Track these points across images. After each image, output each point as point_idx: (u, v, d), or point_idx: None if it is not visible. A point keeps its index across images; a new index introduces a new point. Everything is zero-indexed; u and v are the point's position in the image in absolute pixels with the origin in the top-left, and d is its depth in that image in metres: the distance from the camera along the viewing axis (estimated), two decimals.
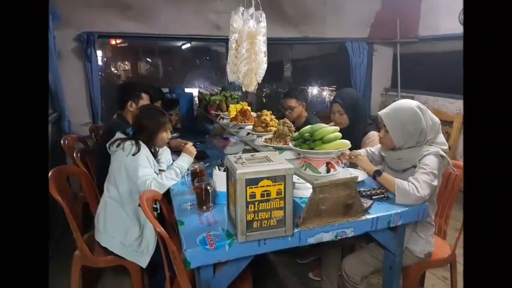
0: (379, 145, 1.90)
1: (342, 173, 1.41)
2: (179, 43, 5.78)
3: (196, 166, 1.85)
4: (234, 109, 2.56)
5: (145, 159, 1.81)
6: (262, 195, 1.21)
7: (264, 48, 2.01)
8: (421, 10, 4.30)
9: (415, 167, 1.63)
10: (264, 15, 1.97)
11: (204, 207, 1.52)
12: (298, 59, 6.26)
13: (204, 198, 1.51)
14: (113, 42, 5.52)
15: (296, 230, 1.31)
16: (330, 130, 1.45)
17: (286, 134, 1.77)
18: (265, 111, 2.08)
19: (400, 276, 1.72)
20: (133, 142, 1.81)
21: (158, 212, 1.79)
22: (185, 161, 1.98)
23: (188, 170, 1.95)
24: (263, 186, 1.20)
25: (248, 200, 1.20)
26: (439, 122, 1.70)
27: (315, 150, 1.40)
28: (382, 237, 1.55)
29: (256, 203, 1.21)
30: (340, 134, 1.47)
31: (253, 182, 1.19)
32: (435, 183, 1.56)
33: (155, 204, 1.75)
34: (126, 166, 1.78)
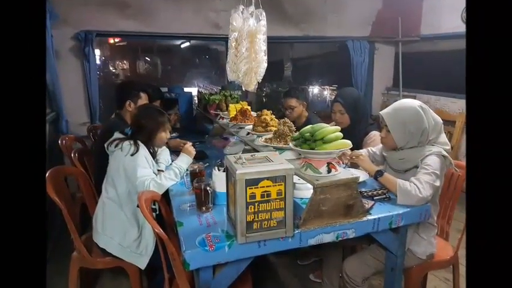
0: (381, 145, 1.88)
1: (343, 173, 1.39)
2: (178, 42, 5.76)
3: (196, 166, 1.83)
4: (233, 109, 2.54)
5: (144, 159, 1.79)
6: (262, 196, 1.20)
7: (264, 47, 2.00)
8: (422, 8, 4.28)
9: (417, 167, 1.61)
10: (264, 13, 1.95)
11: (204, 208, 1.50)
12: (298, 58, 6.23)
13: (204, 198, 1.50)
14: (111, 41, 5.49)
15: (296, 231, 1.30)
16: (331, 130, 1.43)
17: (287, 133, 1.75)
18: (265, 111, 2.07)
19: (402, 277, 1.71)
20: (131, 142, 1.80)
21: (157, 213, 1.78)
22: (184, 161, 1.97)
23: (187, 170, 1.93)
24: (263, 186, 1.19)
25: (248, 200, 1.18)
26: (441, 121, 1.68)
27: (316, 150, 1.39)
28: (384, 238, 1.53)
29: (256, 204, 1.20)
30: (341, 134, 1.45)
31: (253, 182, 1.18)
32: (437, 183, 1.54)
33: (154, 205, 1.74)
34: (124, 166, 1.77)
